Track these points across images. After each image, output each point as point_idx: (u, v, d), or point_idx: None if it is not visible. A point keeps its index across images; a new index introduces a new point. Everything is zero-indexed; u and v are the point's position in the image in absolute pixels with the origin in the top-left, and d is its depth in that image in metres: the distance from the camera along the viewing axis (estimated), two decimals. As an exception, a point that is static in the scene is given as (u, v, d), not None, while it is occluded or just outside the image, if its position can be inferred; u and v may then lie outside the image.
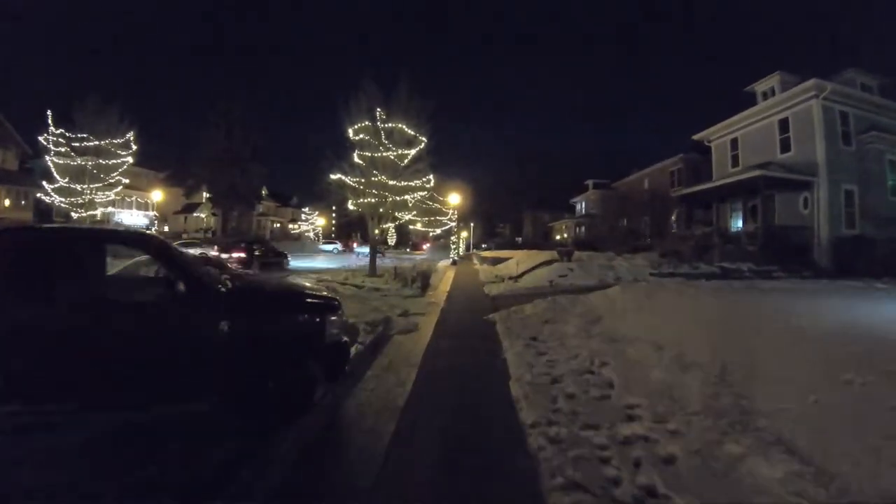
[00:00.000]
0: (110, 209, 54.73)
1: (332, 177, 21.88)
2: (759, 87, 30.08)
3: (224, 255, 27.84)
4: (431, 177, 23.23)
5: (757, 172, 24.16)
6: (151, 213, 60.85)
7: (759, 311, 8.74)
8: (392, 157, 21.95)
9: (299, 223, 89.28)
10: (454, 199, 39.88)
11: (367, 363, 7.45)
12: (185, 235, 62.51)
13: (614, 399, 5.51)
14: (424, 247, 73.77)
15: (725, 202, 31.16)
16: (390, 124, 21.88)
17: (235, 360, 4.85)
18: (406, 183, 22.48)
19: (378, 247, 60.37)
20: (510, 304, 13.39)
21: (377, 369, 7.14)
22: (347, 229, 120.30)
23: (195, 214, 69.73)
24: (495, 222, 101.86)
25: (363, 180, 21.74)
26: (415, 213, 24.48)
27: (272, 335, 5.12)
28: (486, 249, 72.82)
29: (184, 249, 34.46)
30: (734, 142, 31.24)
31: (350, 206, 23.04)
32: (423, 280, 19.63)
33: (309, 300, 5.83)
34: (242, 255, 27.81)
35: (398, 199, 22.46)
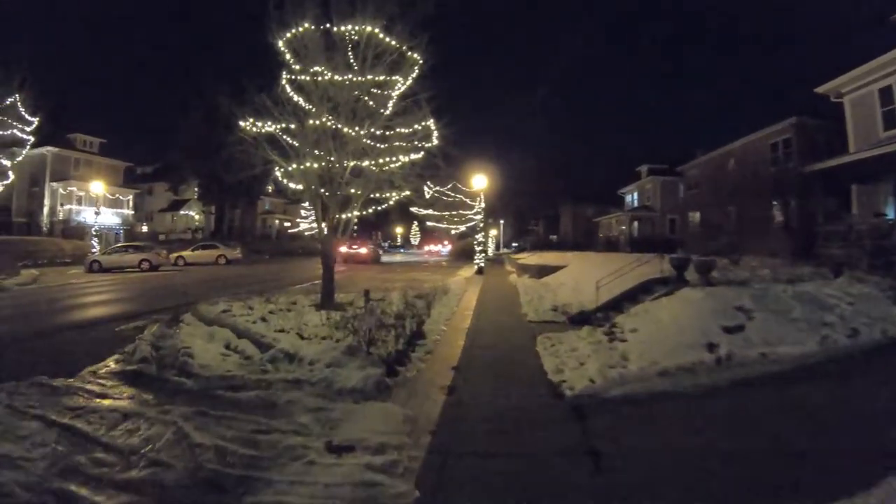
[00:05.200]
0: (70, 206, 46.04)
1: (244, 124, 11.74)
2: (920, 11, 19.79)
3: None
4: (432, 124, 12.80)
5: None
6: (127, 212, 51.94)
7: None
8: (354, 87, 11.80)
9: (299, 221, 79.58)
10: (480, 182, 29.40)
11: None
12: (161, 236, 53.78)
13: None
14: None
15: (872, 183, 21.01)
16: (353, 27, 11.74)
17: None
18: (384, 133, 12.34)
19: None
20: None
21: None
22: (368, 227, 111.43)
23: (182, 212, 60.70)
24: (527, 218, 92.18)
25: (294, 126, 11.68)
26: (407, 192, 14.03)
27: None
28: (518, 250, 62.99)
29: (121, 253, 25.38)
30: (886, 92, 20.70)
31: (279, 177, 12.91)
32: (410, 326, 9.49)
33: None
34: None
35: (370, 164, 12.23)
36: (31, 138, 28.57)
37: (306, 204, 76.27)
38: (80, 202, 47.26)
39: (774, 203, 29.45)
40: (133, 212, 53.41)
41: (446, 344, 9.35)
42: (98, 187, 40.57)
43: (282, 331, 9.80)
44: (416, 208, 44.21)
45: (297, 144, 12.11)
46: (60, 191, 46.38)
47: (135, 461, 4.61)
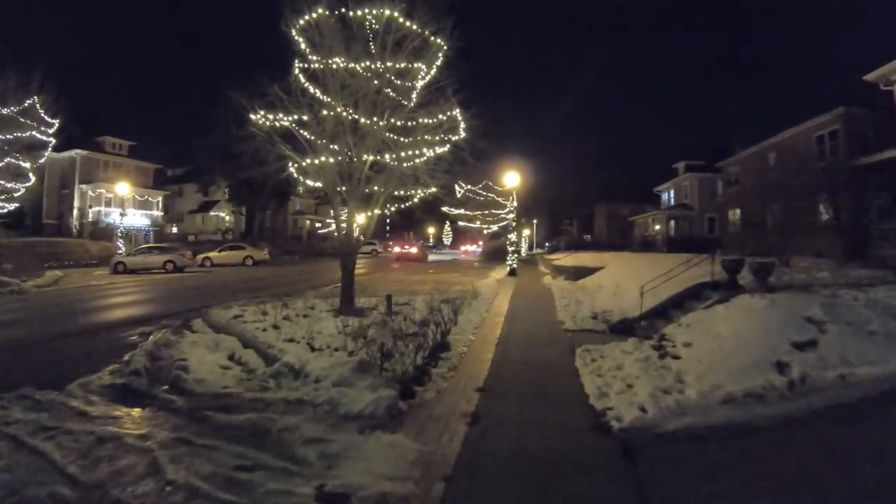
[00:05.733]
0: (99, 208, 46.13)
1: (255, 118, 10.93)
2: None
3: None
4: (458, 114, 11.79)
5: None
6: (156, 213, 52.01)
7: None
8: (374, 76, 10.91)
9: (329, 221, 79.12)
10: (512, 179, 28.12)
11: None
12: (190, 237, 53.84)
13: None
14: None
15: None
16: (371, 11, 10.85)
17: None
18: (406, 124, 11.44)
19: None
20: None
21: None
22: (399, 228, 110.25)
23: (212, 213, 60.69)
24: (560, 218, 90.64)
25: (307, 118, 10.83)
26: (434, 189, 13.06)
27: None
28: (552, 250, 61.57)
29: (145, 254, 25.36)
30: (939, 79, 19.48)
31: (294, 173, 12.07)
32: (433, 336, 8.55)
33: None
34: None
35: (391, 159, 11.35)
36: (52, 140, 28.14)
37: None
38: (108, 204, 47.36)
39: (821, 200, 27.72)
40: (162, 213, 53.50)
41: (473, 358, 8.34)
42: (123, 188, 40.50)
43: (291, 340, 8.98)
44: (447, 207, 43.31)
45: (312, 138, 11.24)
46: (90, 193, 46.64)
47: (95, 499, 3.94)
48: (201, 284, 22.59)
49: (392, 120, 11.18)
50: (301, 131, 11.19)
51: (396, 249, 52.32)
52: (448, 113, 11.48)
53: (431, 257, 55.99)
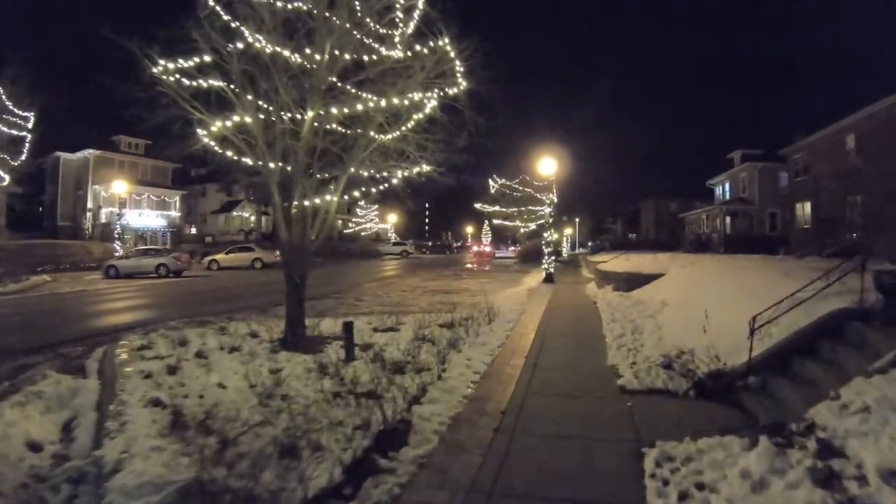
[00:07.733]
0: (112, 209, 43.93)
1: (156, 70, 7.24)
2: None
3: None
4: (448, 46, 7.83)
5: None
6: (174, 214, 49.73)
7: None
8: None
9: (354, 221, 75.72)
10: (549, 167, 23.59)
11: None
12: (208, 238, 51.67)
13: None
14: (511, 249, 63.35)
15: None
16: None
17: None
18: (364, 57, 7.66)
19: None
20: None
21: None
22: (437, 227, 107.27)
23: (235, 213, 58.40)
24: (603, 215, 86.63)
25: (209, 59, 7.27)
26: (427, 168, 9.03)
27: None
28: (596, 250, 57.42)
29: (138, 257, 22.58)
30: None
31: (207, 141, 8.16)
32: (384, 413, 4.87)
33: None
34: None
35: (344, 115, 7.67)
36: (28, 136, 26.09)
37: (362, 202, 72.39)
38: (124, 205, 45.39)
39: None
40: (180, 213, 51.31)
41: (441, 466, 4.26)
42: (120, 186, 38.94)
43: (157, 403, 5.43)
44: (480, 204, 40.14)
45: (231, 87, 7.57)
46: (102, 193, 45.00)
47: None
48: (181, 293, 19.62)
49: (338, 52, 7.33)
50: (213, 82, 7.49)
51: (475, 248, 69.54)
52: (433, 43, 7.50)
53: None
